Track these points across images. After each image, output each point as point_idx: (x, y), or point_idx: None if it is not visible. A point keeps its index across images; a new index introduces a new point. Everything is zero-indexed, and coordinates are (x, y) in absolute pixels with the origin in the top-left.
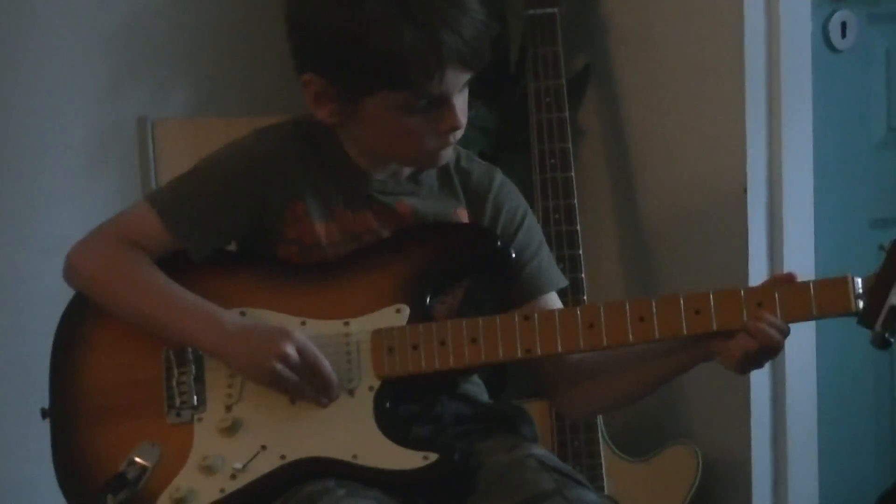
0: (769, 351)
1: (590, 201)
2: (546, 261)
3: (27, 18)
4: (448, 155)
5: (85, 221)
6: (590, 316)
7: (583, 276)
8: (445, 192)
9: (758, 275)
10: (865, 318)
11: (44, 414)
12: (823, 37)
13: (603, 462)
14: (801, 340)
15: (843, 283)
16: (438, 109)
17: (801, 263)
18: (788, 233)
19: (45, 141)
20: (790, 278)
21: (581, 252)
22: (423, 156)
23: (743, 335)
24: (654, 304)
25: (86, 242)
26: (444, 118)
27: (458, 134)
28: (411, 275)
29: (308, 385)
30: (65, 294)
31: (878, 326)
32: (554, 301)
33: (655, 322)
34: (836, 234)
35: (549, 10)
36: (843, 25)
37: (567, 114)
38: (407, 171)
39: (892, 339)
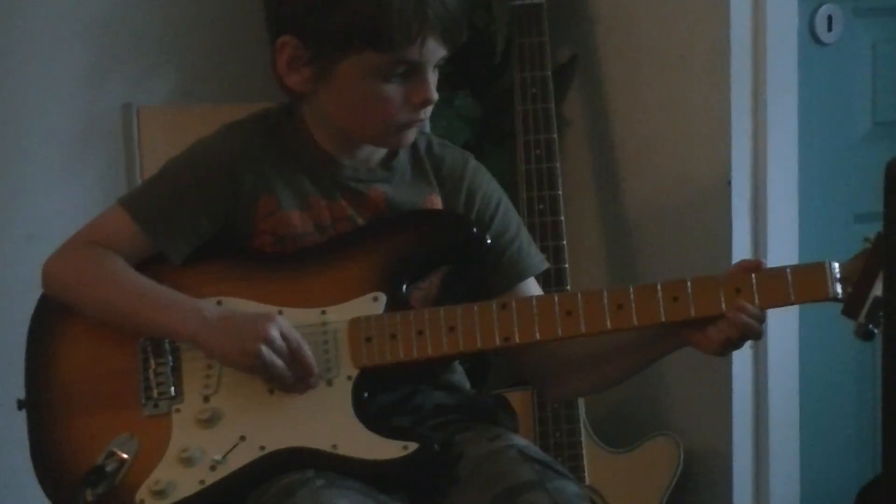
0: (747, 335)
1: (574, 192)
2: (525, 245)
3: (9, 5)
4: (413, 136)
5: (69, 208)
6: (568, 303)
7: (566, 266)
8: (418, 178)
9: None
10: (849, 309)
11: (20, 405)
12: (809, 30)
13: (584, 453)
14: (784, 333)
15: (820, 269)
16: (412, 80)
17: (785, 257)
18: (772, 226)
19: (28, 127)
20: (758, 265)
21: (565, 243)
22: (391, 130)
23: (724, 323)
24: (631, 291)
25: (60, 251)
26: (418, 89)
27: (428, 111)
28: (387, 263)
29: (289, 371)
30: None
31: (861, 317)
32: (535, 286)
33: (633, 309)
34: (819, 227)
35: (535, 1)
36: (830, 19)
37: (553, 104)
38: (378, 157)
39: (876, 331)
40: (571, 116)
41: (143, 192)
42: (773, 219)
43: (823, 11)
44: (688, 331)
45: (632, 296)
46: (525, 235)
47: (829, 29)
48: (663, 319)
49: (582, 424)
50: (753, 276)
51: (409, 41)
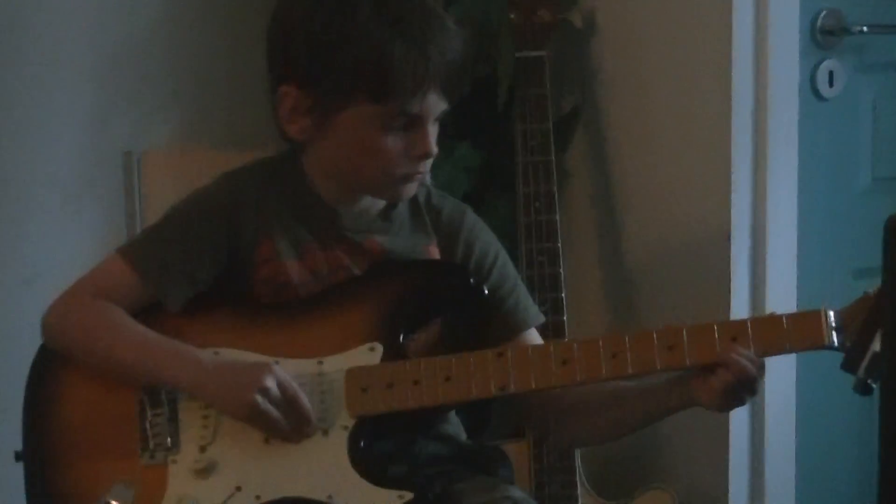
0: (746, 383)
1: (574, 244)
2: (523, 297)
3: (12, 51)
4: (414, 189)
5: (68, 253)
6: (564, 352)
7: (565, 318)
8: (416, 229)
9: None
10: (849, 364)
11: (17, 457)
12: (811, 85)
13: None
14: (782, 385)
15: (816, 317)
16: (412, 133)
17: (783, 309)
18: (771, 280)
19: (29, 172)
20: None
21: (564, 295)
22: (391, 182)
23: (720, 370)
24: (627, 339)
25: (60, 302)
26: (418, 142)
27: (428, 164)
28: (384, 312)
29: (285, 420)
30: None
31: (861, 372)
32: (534, 337)
33: (629, 357)
34: (818, 282)
35: (538, 53)
36: (831, 74)
37: (553, 157)
38: (377, 207)
39: (875, 385)
40: (573, 168)
41: (141, 241)
42: (772, 272)
43: (825, 66)
44: (693, 383)
45: (627, 344)
46: (522, 288)
47: (831, 84)
48: (659, 367)
49: (578, 476)
50: (749, 323)
51: (409, 94)
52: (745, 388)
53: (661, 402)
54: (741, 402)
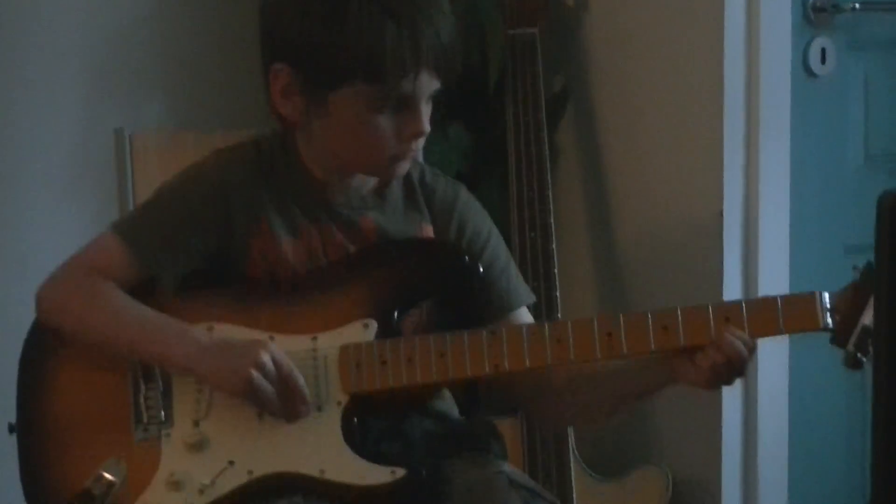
0: (736, 364)
1: (566, 220)
2: (514, 277)
3: (3, 33)
4: (406, 167)
5: (61, 233)
6: (558, 331)
7: (557, 294)
8: (410, 207)
9: (732, 298)
10: (838, 338)
11: (11, 429)
12: (803, 63)
13: (573, 481)
14: (774, 363)
15: (811, 299)
16: (405, 113)
17: (776, 287)
18: (763, 256)
19: (21, 153)
20: None
21: (556, 271)
22: (383, 162)
23: (711, 348)
24: (622, 319)
25: (53, 278)
26: (410, 123)
27: (420, 143)
28: (378, 290)
29: (280, 398)
30: None
31: (850, 346)
32: (525, 317)
33: (623, 337)
34: (811, 259)
35: (529, 31)
36: (823, 52)
37: (545, 134)
38: (370, 186)
39: (865, 360)
40: (564, 145)
41: (135, 217)
42: (764, 249)
43: (817, 44)
44: (677, 362)
45: (622, 324)
46: (514, 267)
47: (823, 62)
48: (653, 348)
49: (571, 452)
50: (743, 304)
51: (402, 74)
52: (734, 369)
53: (645, 378)
54: (727, 383)
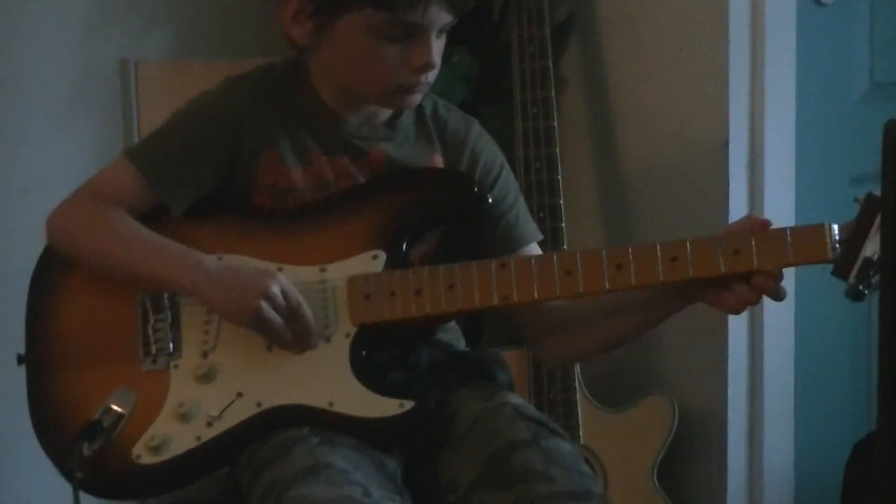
0: (759, 298)
1: (571, 150)
2: (523, 214)
3: None
4: (416, 100)
5: (65, 162)
6: (567, 263)
7: (563, 224)
8: (421, 139)
9: None
10: (839, 270)
11: (20, 360)
12: None
13: (579, 412)
14: None
15: (819, 231)
16: (414, 43)
17: (781, 217)
18: (769, 186)
19: (25, 82)
20: (765, 224)
21: (562, 201)
22: (391, 90)
23: (745, 288)
24: (630, 251)
25: (65, 204)
26: (418, 53)
27: (431, 76)
28: (388, 220)
29: (288, 329)
30: (43, 235)
31: (852, 278)
32: (533, 252)
33: (632, 269)
34: (816, 188)
35: None
36: None
37: (550, 63)
38: (382, 116)
39: (867, 291)
40: (569, 75)
41: (147, 144)
42: (769, 179)
43: None
44: (700, 292)
45: (631, 256)
46: (523, 204)
47: None
48: (662, 280)
49: (577, 383)
50: (752, 238)
51: (411, 3)
52: (756, 301)
53: (662, 307)
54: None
